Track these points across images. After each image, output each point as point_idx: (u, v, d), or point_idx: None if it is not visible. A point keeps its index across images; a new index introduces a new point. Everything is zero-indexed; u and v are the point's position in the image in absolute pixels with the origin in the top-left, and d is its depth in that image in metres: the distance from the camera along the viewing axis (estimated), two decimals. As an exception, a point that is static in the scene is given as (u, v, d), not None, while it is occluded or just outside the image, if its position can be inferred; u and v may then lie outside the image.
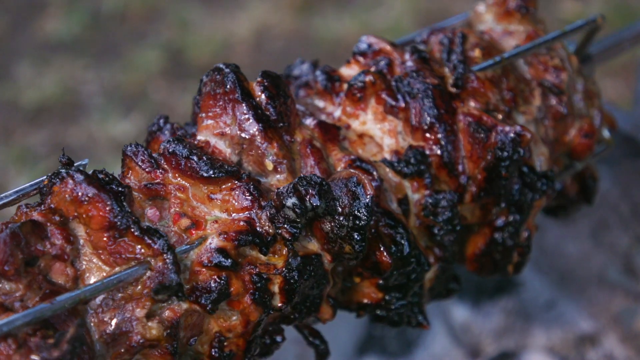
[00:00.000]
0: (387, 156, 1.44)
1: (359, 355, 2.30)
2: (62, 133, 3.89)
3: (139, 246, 1.21)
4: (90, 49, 4.31)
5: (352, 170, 1.31)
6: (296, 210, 1.24)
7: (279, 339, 1.35)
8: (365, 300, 1.43)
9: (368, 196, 1.27)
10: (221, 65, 1.36)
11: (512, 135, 1.41)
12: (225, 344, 1.29)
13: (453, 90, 1.46)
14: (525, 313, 2.37)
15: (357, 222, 1.27)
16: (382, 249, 1.35)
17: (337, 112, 1.49)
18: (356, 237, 1.27)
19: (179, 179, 1.29)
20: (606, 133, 1.71)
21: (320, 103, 1.51)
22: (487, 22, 1.64)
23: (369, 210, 1.27)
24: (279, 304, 1.28)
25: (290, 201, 1.24)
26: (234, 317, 1.28)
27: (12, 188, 3.77)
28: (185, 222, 1.27)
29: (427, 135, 1.43)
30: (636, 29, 1.86)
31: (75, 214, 1.22)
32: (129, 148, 1.30)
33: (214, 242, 1.25)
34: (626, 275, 2.31)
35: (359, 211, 1.27)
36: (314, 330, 1.43)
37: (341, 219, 1.27)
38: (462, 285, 1.54)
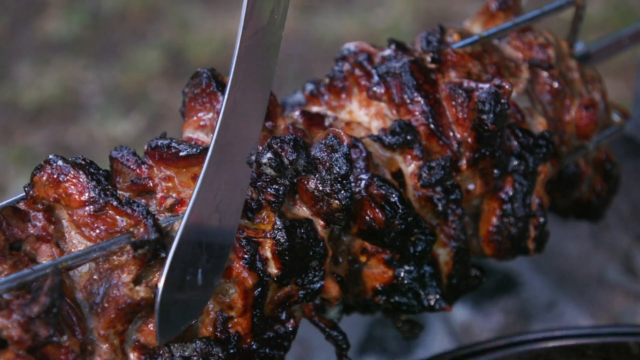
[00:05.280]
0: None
1: (359, 355, 2.31)
2: (62, 133, 3.89)
3: (121, 218, 1.23)
4: (90, 49, 4.32)
5: (329, 130, 1.32)
6: (272, 164, 1.26)
7: (290, 326, 1.36)
8: (378, 285, 1.43)
9: (345, 145, 1.29)
10: (198, 69, 1.40)
11: (491, 88, 1.41)
12: (229, 325, 1.30)
13: (432, 66, 1.48)
14: (525, 313, 2.38)
15: (338, 172, 1.29)
16: (373, 205, 1.36)
17: (324, 110, 1.52)
18: (340, 188, 1.29)
19: (164, 170, 1.31)
20: (616, 117, 1.72)
21: (309, 108, 1.53)
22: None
23: (348, 158, 1.29)
24: (275, 271, 1.29)
25: (266, 157, 1.26)
26: (232, 291, 1.29)
27: (12, 188, 3.75)
28: (170, 201, 1.29)
29: (411, 107, 1.45)
30: (636, 27, 1.86)
31: (55, 195, 1.24)
32: (113, 152, 1.32)
33: None
34: (626, 275, 2.31)
35: (337, 161, 1.29)
36: (330, 322, 1.43)
37: (323, 173, 1.29)
38: (487, 275, 1.53)
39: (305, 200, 1.33)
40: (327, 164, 1.30)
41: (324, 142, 1.31)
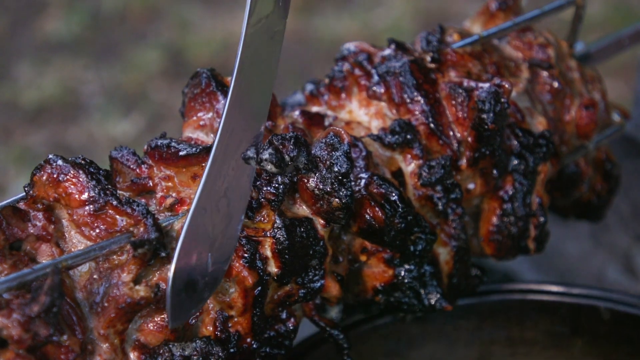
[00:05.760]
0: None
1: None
2: (62, 133, 3.89)
3: (121, 217, 1.23)
4: (90, 49, 4.32)
5: (329, 128, 1.32)
6: (273, 160, 1.25)
7: (291, 325, 1.35)
8: (378, 284, 1.43)
9: (345, 144, 1.30)
10: (198, 70, 1.40)
11: (491, 87, 1.41)
12: (229, 324, 1.30)
13: (432, 66, 1.48)
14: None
15: (339, 170, 1.29)
16: (373, 204, 1.36)
17: (324, 109, 1.52)
18: (340, 187, 1.29)
19: (164, 170, 1.31)
20: (616, 117, 1.72)
21: (309, 108, 1.53)
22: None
23: (348, 157, 1.29)
24: (275, 269, 1.29)
25: (267, 152, 1.25)
26: (232, 290, 1.29)
27: (12, 188, 3.75)
28: (170, 200, 1.29)
29: (411, 106, 1.45)
30: (636, 27, 1.86)
31: (55, 195, 1.24)
32: (113, 152, 1.32)
33: None
34: (626, 275, 2.31)
35: (338, 159, 1.29)
36: (331, 321, 1.43)
37: (323, 172, 1.29)
38: (488, 274, 1.54)
39: (305, 199, 1.33)
40: (328, 162, 1.30)
41: (324, 140, 1.31)
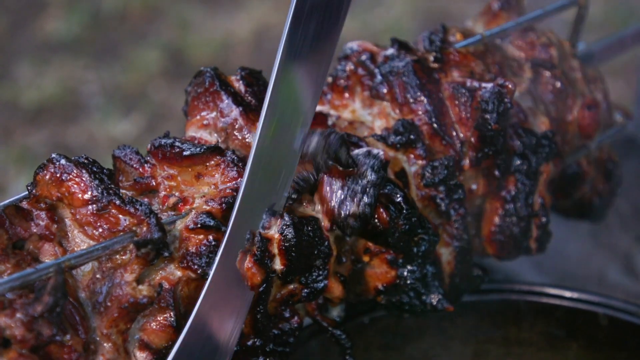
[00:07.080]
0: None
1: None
2: (62, 133, 3.89)
3: (124, 217, 1.23)
4: (90, 49, 4.31)
5: (367, 148, 1.34)
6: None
7: (294, 323, 1.35)
8: (380, 285, 1.43)
9: (381, 154, 1.31)
10: (201, 68, 1.40)
11: (494, 88, 1.41)
12: None
13: (435, 65, 1.48)
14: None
15: (370, 180, 1.30)
16: (377, 205, 1.36)
17: (327, 109, 1.52)
18: (363, 195, 1.30)
19: (167, 169, 1.30)
20: (618, 117, 1.72)
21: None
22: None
23: (384, 167, 1.31)
24: (280, 267, 1.29)
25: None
26: None
27: (12, 188, 3.73)
28: (173, 199, 1.29)
29: (414, 106, 1.45)
30: (638, 28, 1.86)
31: (58, 194, 1.24)
32: (116, 151, 1.32)
33: (201, 209, 1.27)
34: (626, 275, 2.31)
35: (372, 167, 1.31)
36: (333, 321, 1.43)
37: (359, 178, 1.30)
38: (489, 274, 1.54)
39: (322, 202, 1.32)
40: (362, 169, 1.30)
41: (359, 152, 1.32)
